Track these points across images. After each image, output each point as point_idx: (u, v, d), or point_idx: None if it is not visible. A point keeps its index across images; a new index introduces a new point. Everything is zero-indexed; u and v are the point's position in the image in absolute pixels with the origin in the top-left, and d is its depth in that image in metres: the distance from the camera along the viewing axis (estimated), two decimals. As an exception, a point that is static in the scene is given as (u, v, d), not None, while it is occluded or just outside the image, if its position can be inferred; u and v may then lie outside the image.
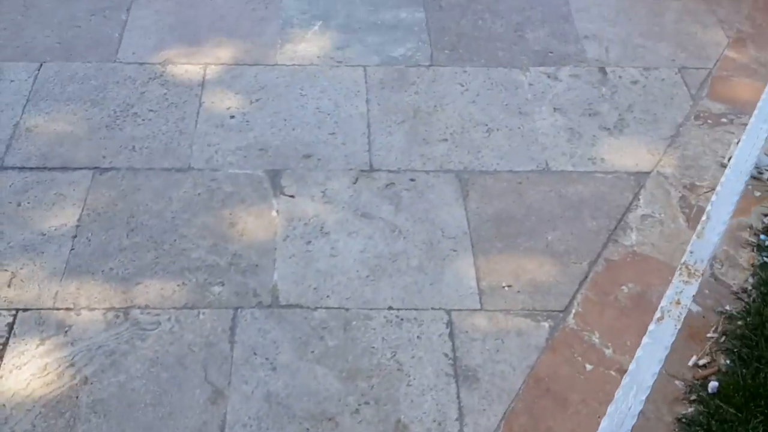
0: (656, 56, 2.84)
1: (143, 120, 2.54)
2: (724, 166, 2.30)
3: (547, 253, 2.19)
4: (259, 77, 2.72)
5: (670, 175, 2.41)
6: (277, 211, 2.28)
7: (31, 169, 2.36)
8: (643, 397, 1.48)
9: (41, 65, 2.71)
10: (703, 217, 1.74)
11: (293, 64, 2.78)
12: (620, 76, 2.76)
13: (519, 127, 2.57)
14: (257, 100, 2.64)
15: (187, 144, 2.47)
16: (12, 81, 2.64)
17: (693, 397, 1.85)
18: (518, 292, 2.09)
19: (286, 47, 2.85)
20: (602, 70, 2.78)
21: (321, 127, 2.55)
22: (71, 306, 2.02)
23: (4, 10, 2.92)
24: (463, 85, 2.72)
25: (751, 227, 2.23)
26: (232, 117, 2.57)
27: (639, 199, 2.34)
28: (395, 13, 3.01)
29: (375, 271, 2.13)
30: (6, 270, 2.09)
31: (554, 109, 2.63)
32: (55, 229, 2.20)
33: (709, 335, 1.98)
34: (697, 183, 2.38)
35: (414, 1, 3.07)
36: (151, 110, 2.58)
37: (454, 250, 2.19)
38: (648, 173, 2.42)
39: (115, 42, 2.82)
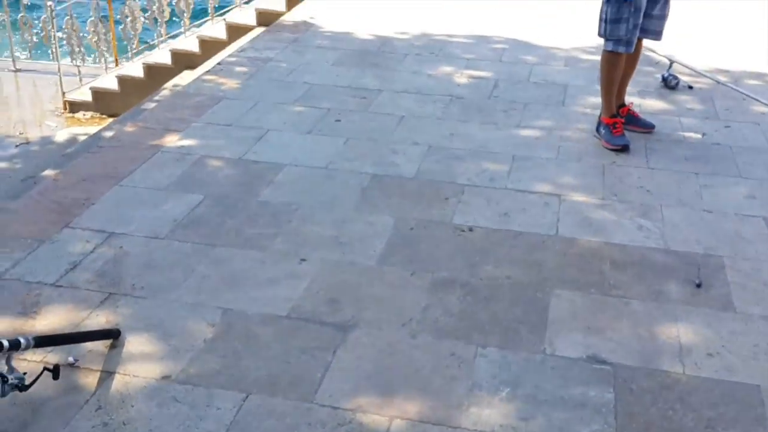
0: None
1: (325, 468, 2.65)
2: None
3: None
4: (441, 439, 2.79)
5: None
6: None
7: (215, 503, 2.51)
8: None
9: (247, 396, 2.97)
10: None
11: (475, 430, 2.83)
12: (831, 503, 2.51)
13: None
14: (435, 464, 2.68)
15: (360, 501, 2.52)
16: (218, 408, 2.91)
17: None
18: None
19: (471, 410, 2.92)
20: (809, 492, 2.56)
21: (494, 506, 2.51)
22: None
23: (228, 337, 3.31)
24: (648, 483, 2.60)
25: None
26: (408, 479, 2.62)
27: None
28: (584, 390, 3.03)
29: None
30: None
31: None
32: None
33: None
34: None
35: (605, 380, 3.08)
36: (333, 459, 2.70)
37: None
38: None
39: (316, 382, 3.05)
